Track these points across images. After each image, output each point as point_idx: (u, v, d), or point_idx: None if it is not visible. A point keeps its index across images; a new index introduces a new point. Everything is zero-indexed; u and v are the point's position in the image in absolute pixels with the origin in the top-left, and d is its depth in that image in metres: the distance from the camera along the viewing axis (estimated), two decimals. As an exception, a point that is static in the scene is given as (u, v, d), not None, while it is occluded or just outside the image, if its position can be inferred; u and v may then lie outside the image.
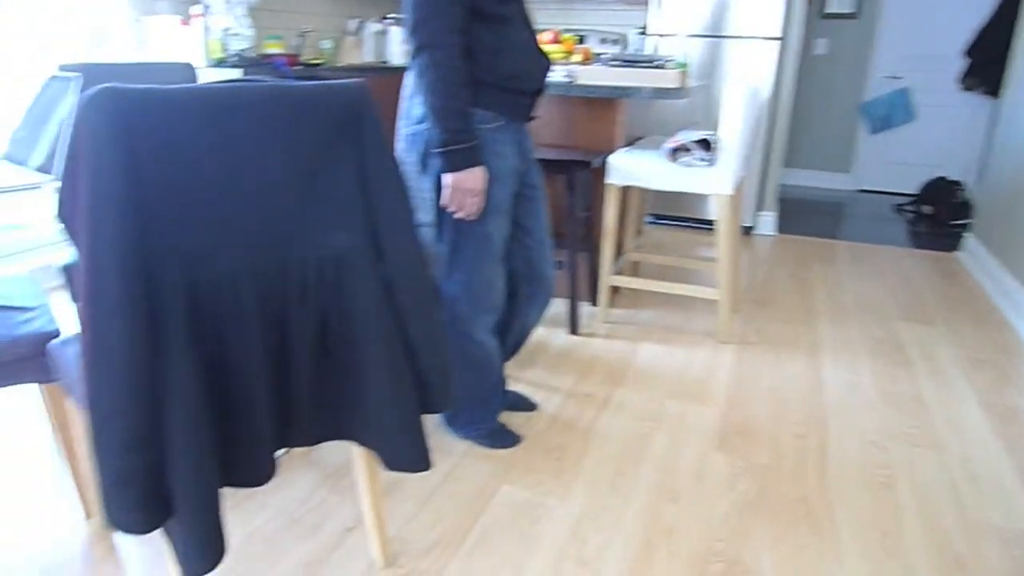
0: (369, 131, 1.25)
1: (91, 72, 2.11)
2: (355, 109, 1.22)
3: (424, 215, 1.89)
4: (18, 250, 3.20)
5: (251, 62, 3.57)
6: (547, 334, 2.86)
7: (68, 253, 2.28)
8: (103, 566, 1.62)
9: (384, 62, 4.81)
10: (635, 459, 2.04)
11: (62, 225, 1.05)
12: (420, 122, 1.77)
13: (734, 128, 2.57)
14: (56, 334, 1.65)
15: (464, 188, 1.72)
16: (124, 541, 1.70)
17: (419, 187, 1.86)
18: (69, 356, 1.50)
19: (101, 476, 1.07)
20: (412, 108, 1.79)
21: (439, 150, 1.69)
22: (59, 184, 1.04)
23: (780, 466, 2.03)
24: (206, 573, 1.12)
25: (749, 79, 4.05)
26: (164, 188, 1.04)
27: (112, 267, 0.99)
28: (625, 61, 2.92)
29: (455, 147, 1.67)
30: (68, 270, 2.18)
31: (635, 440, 2.14)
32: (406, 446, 1.33)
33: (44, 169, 2.10)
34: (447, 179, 1.72)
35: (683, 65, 3.04)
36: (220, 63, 3.47)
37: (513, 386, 2.44)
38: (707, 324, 3.02)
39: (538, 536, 1.74)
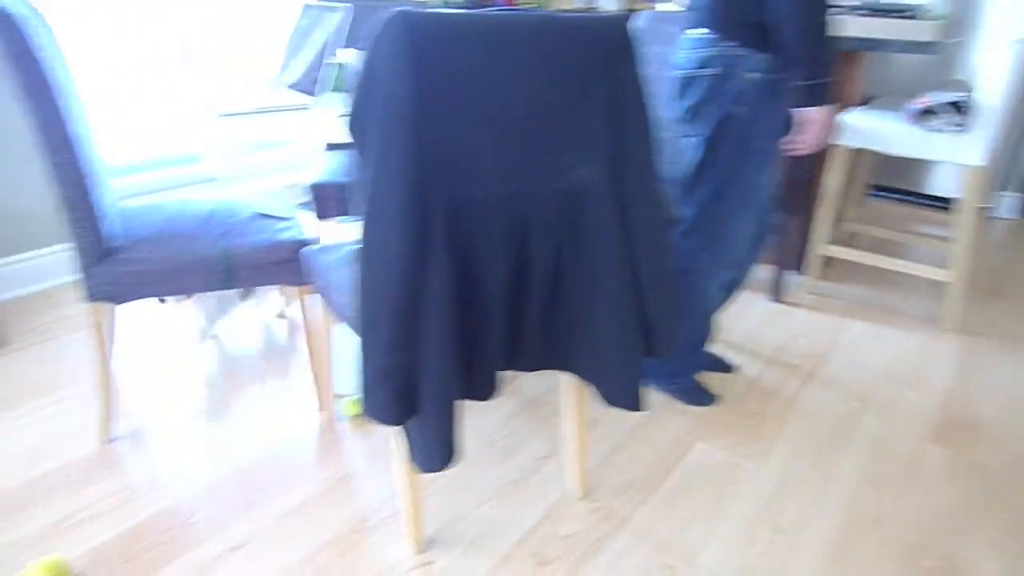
0: (628, 66, 1.24)
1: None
2: (618, 42, 1.22)
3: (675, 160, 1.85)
4: (279, 167, 3.57)
5: (473, 4, 3.66)
6: (747, 297, 2.76)
7: (314, 174, 2.51)
8: (329, 454, 1.82)
9: (593, 7, 4.74)
10: (840, 438, 1.94)
11: (351, 136, 1.15)
12: (703, 66, 1.69)
13: (995, 92, 2.28)
14: (309, 242, 1.84)
15: (828, 123, 1.66)
16: (348, 434, 1.89)
17: (674, 132, 1.82)
18: (321, 263, 1.66)
19: (364, 371, 1.19)
20: (689, 52, 1.72)
21: (810, 83, 1.60)
22: (352, 99, 1.14)
23: (1009, 471, 1.84)
24: (438, 471, 1.21)
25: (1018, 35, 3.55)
26: (444, 109, 1.10)
27: (397, 178, 1.07)
28: (874, 9, 2.66)
29: (824, 80, 1.61)
30: (315, 188, 2.40)
31: (841, 418, 2.02)
32: (625, 384, 1.35)
33: (299, 87, 2.31)
34: (813, 114, 1.65)
35: (942, 17, 2.71)
36: (445, 4, 3.60)
37: (711, 346, 2.39)
38: (927, 308, 2.75)
39: (732, 497, 1.71)
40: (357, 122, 1.13)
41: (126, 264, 1.68)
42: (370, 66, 1.09)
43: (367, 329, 1.16)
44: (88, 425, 1.89)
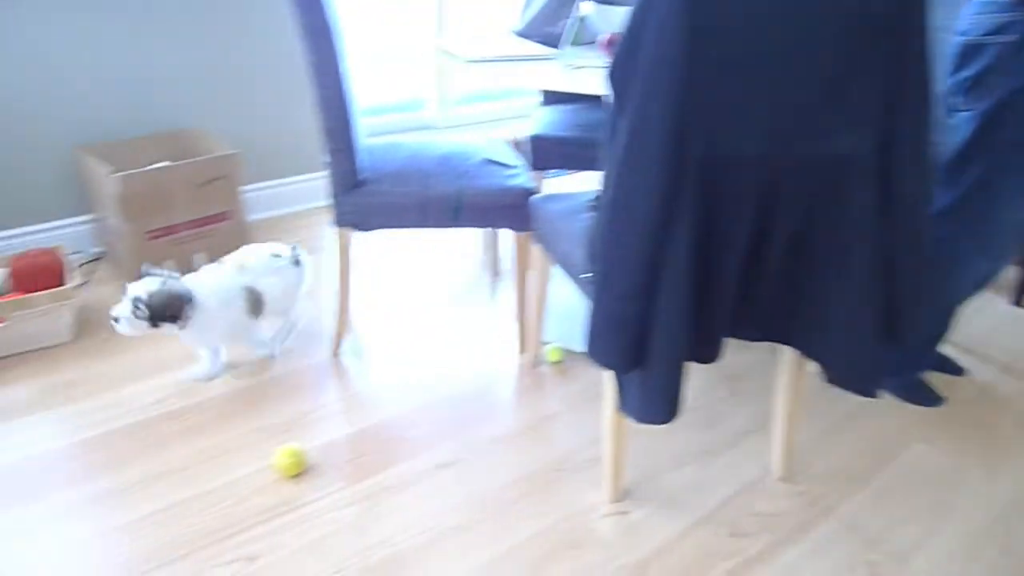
0: (914, 29, 1.14)
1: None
2: (906, 2, 1.12)
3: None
4: (499, 117, 3.69)
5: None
6: (984, 297, 2.48)
7: (533, 126, 2.57)
8: (530, 395, 1.90)
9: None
10: (1092, 465, 1.71)
11: (610, 86, 1.16)
12: (995, 32, 1.52)
13: None
14: (535, 191, 1.89)
15: None
16: (548, 379, 1.96)
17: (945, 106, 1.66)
18: (548, 211, 1.71)
19: (595, 316, 1.23)
20: (978, 16, 1.56)
21: None
22: (617, 49, 1.15)
23: None
24: (657, 423, 1.23)
25: None
26: (711, 66, 1.08)
27: (657, 130, 1.08)
28: None
29: None
30: (534, 140, 2.46)
31: (1095, 444, 1.78)
32: (859, 366, 1.28)
33: (535, 38, 2.36)
34: None
35: None
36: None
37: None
38: None
39: (954, 506, 1.58)
40: (619, 72, 1.14)
41: (372, 195, 1.84)
42: (639, 18, 1.08)
43: (605, 276, 1.18)
44: (321, 337, 2.12)
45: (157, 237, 2.31)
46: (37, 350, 2.03)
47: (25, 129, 2.35)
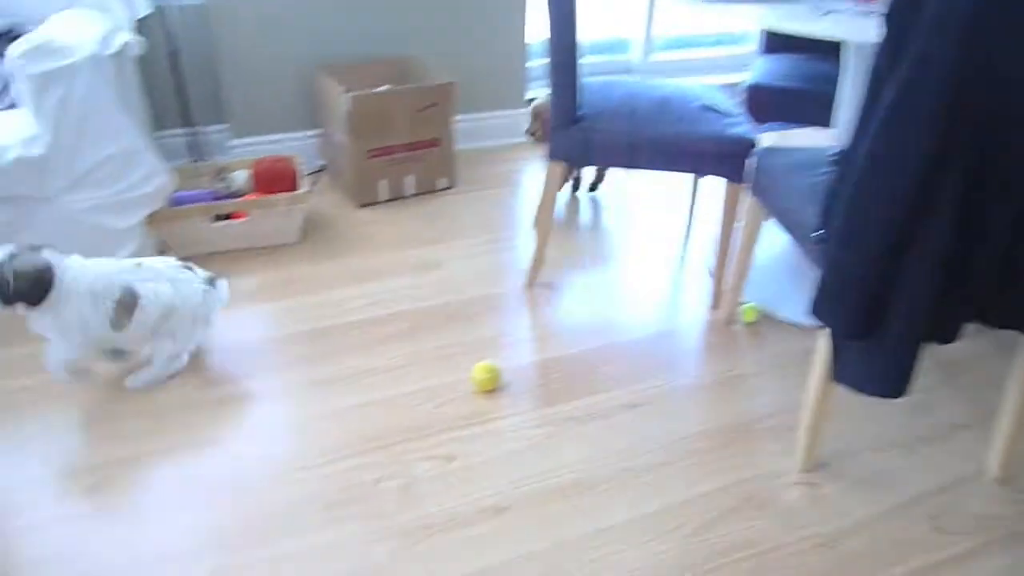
0: None
1: None
2: None
3: None
4: (714, 64, 3.55)
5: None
6: None
7: (752, 75, 2.43)
8: (722, 351, 1.86)
9: None
10: None
11: (885, 30, 1.07)
12: None
13: None
14: (753, 143, 1.81)
15: None
16: (741, 338, 1.91)
17: None
18: (772, 165, 1.63)
19: (828, 276, 1.17)
20: None
21: None
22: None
23: None
24: (886, 397, 1.16)
25: None
26: (1001, 25, 0.96)
27: (935, 85, 0.98)
28: None
29: None
30: (751, 90, 2.34)
31: None
32: None
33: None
34: None
35: None
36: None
37: None
38: None
39: None
40: (898, 16, 1.04)
41: (589, 132, 1.84)
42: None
43: (848, 235, 1.11)
44: (516, 266, 2.18)
45: (375, 156, 2.47)
46: (268, 247, 2.26)
47: (275, 48, 2.58)
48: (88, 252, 1.94)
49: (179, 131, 2.64)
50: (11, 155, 1.75)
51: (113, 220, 1.93)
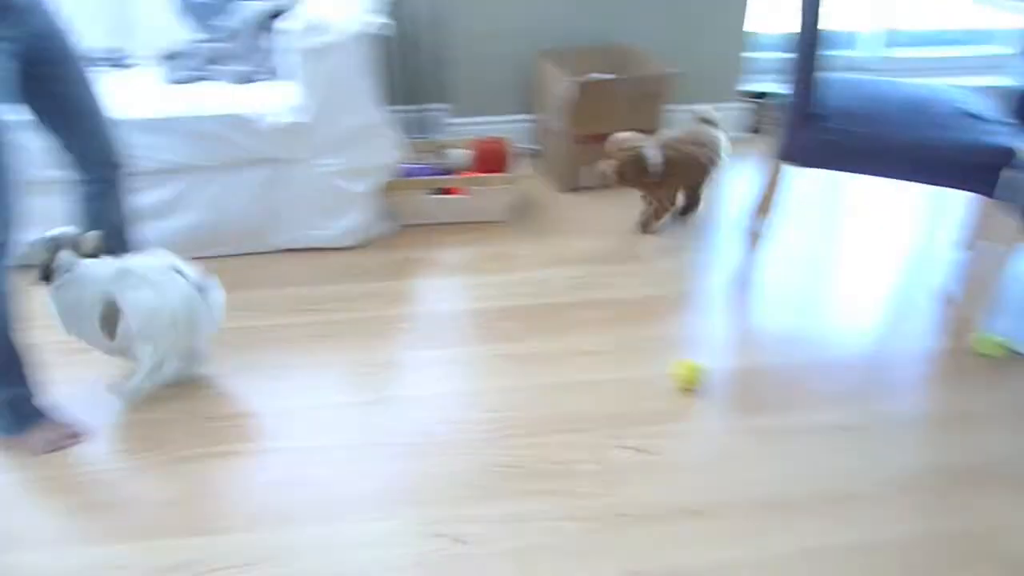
0: None
1: None
2: None
3: None
4: (975, 67, 3.21)
5: None
6: None
7: (1015, 78, 2.17)
8: (948, 383, 1.69)
9: None
10: None
11: None
12: None
13: None
14: (1015, 154, 1.61)
15: None
16: (974, 371, 1.72)
17: None
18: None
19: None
20: None
21: None
22: None
23: None
24: None
25: None
26: None
27: None
28: None
29: None
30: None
31: None
32: None
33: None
34: None
35: None
36: None
37: None
38: None
39: None
40: None
41: (824, 133, 1.73)
42: None
43: None
44: (719, 265, 2.12)
45: (587, 142, 2.49)
46: (478, 223, 2.37)
47: (498, 33, 2.68)
48: (328, 211, 2.15)
49: (404, 108, 2.82)
50: (276, 121, 1.97)
51: (351, 185, 2.11)
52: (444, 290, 2.04)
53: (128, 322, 1.51)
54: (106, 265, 1.56)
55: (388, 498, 1.41)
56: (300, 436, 1.56)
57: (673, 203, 2.31)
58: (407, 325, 1.90)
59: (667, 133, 2.30)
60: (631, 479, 1.44)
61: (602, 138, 2.49)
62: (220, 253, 2.21)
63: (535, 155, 2.81)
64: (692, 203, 2.41)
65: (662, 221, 2.33)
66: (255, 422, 1.60)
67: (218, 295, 1.62)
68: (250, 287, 2.06)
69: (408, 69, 2.73)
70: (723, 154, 2.30)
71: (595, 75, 2.53)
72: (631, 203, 2.48)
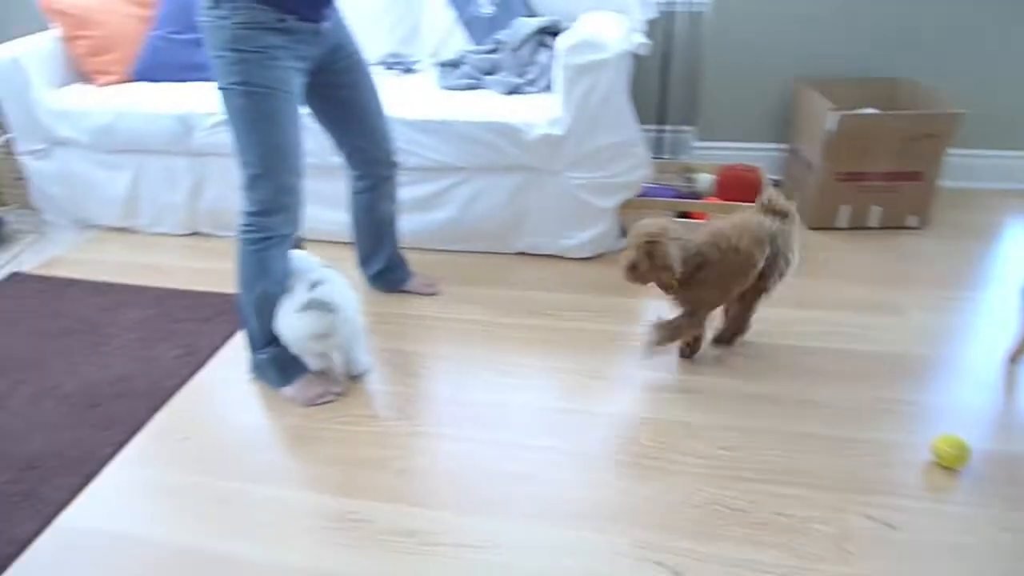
0: None
1: None
2: None
3: None
4: None
5: None
6: None
7: None
8: None
9: None
10: None
11: None
12: None
13: None
14: None
15: None
16: None
17: None
18: None
19: None
20: None
21: None
22: None
23: None
24: None
25: None
26: None
27: None
28: None
29: None
30: None
31: None
32: None
33: None
34: None
35: None
36: None
37: None
38: None
39: None
40: None
41: None
42: None
43: None
44: (991, 332, 1.87)
45: (844, 180, 2.33)
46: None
47: (758, 58, 2.59)
48: (570, 222, 2.21)
49: (651, 127, 2.83)
50: (538, 132, 2.06)
51: (596, 199, 2.15)
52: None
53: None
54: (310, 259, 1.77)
55: (606, 513, 1.41)
56: (520, 432, 1.62)
57: (705, 316, 1.74)
58: (631, 343, 1.90)
59: (716, 223, 1.71)
60: (871, 552, 1.31)
61: (865, 177, 2.32)
62: (463, 249, 2.37)
63: (781, 187, 2.68)
64: (738, 322, 1.82)
65: (686, 338, 1.79)
66: (479, 411, 1.68)
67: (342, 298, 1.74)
68: (486, 285, 2.18)
69: (662, 89, 2.73)
70: (792, 256, 1.71)
71: (865, 110, 2.36)
72: (893, 248, 2.29)
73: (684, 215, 2.30)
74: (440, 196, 2.25)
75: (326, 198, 2.27)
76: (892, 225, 2.39)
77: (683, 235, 1.65)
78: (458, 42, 2.56)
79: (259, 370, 1.79)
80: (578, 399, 1.71)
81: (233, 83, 1.51)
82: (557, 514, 1.41)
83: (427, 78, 2.45)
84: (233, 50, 1.48)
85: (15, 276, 2.39)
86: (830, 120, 2.23)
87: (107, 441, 1.65)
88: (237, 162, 1.59)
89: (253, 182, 1.59)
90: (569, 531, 1.37)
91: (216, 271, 2.33)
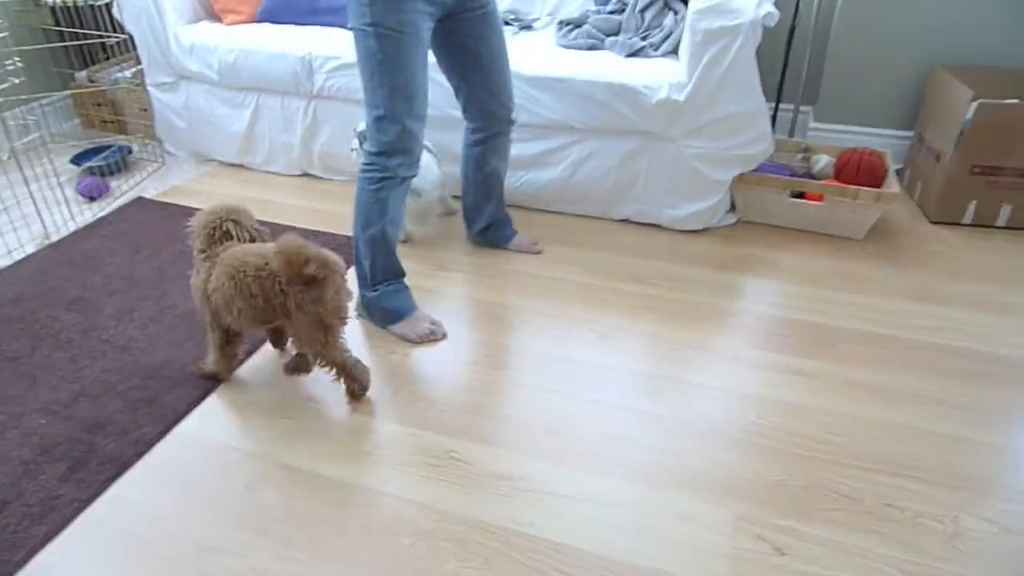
0: None
1: None
2: None
3: None
4: None
5: None
6: None
7: None
8: None
9: None
10: None
11: None
12: None
13: None
14: None
15: None
16: None
17: None
18: None
19: None
20: None
21: None
22: None
23: None
24: None
25: None
26: None
27: None
28: None
29: None
30: None
31: None
32: None
33: None
34: None
35: None
36: None
37: None
38: None
39: None
40: None
41: None
42: None
43: None
44: None
45: (977, 173, 2.19)
46: (830, 236, 2.22)
47: (890, 39, 2.45)
48: (680, 192, 2.17)
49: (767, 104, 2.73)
50: (659, 96, 2.01)
51: (711, 171, 2.10)
52: (782, 295, 1.95)
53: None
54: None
55: (709, 482, 1.39)
56: (617, 394, 1.61)
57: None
58: (737, 320, 1.85)
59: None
60: (987, 555, 1.25)
61: (999, 172, 2.18)
62: (565, 211, 2.35)
63: (902, 176, 2.55)
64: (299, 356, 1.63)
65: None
66: (578, 369, 1.68)
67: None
68: (588, 248, 2.17)
69: (784, 64, 2.63)
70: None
71: (1008, 101, 2.21)
72: (1016, 250, 2.15)
73: (799, 195, 2.22)
74: (549, 155, 2.24)
75: (442, 149, 2.29)
76: (1022, 226, 2.24)
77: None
78: (577, 1, 2.52)
79: (369, 308, 1.83)
80: (678, 368, 1.69)
81: (365, 24, 1.53)
82: (655, 478, 1.40)
83: (545, 36, 2.43)
84: None
85: (138, 200, 2.52)
86: (967, 108, 2.10)
87: (223, 360, 1.73)
88: (364, 103, 1.62)
89: (378, 123, 1.62)
90: (666, 495, 1.36)
91: (324, 212, 2.40)
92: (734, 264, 2.09)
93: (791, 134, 2.71)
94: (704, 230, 2.25)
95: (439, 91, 1.98)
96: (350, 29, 1.58)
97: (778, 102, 2.68)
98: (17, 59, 2.35)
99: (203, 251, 1.52)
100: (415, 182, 1.83)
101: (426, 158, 2.02)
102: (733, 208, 2.28)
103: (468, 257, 2.13)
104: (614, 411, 1.57)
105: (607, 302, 1.93)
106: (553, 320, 1.86)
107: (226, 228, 1.53)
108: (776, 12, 2.11)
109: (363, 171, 1.67)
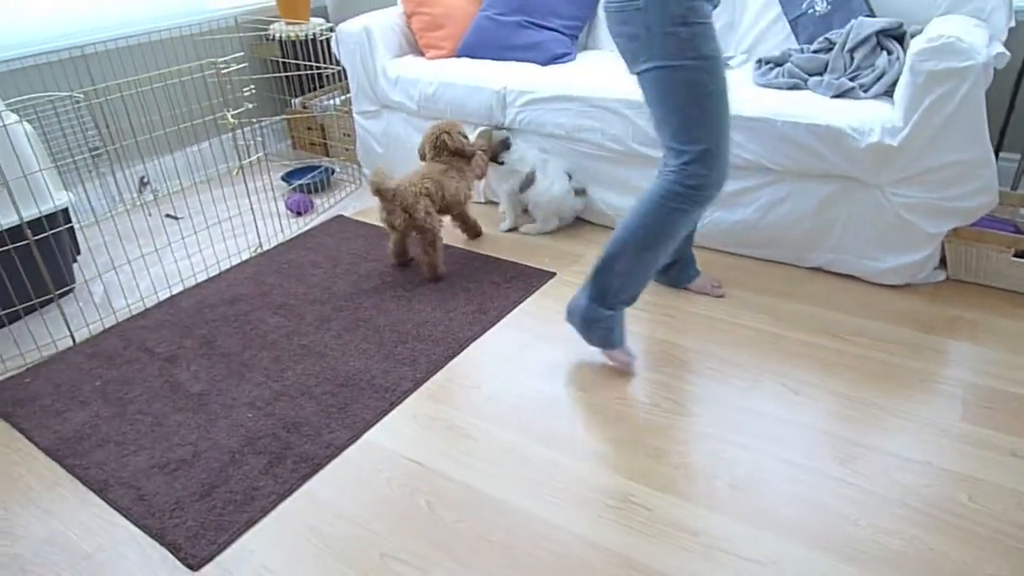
0: None
1: None
2: None
3: None
4: None
5: None
6: None
7: None
8: None
9: None
10: None
11: None
12: None
13: None
14: None
15: None
16: None
17: None
18: None
19: None
20: None
21: None
22: None
23: None
24: None
25: None
26: None
27: None
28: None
29: None
30: None
31: None
32: None
33: None
34: None
35: None
36: None
37: None
38: None
39: None
40: None
41: None
42: None
43: None
44: None
45: None
46: (1057, 302, 1.97)
47: None
48: (883, 243, 2.01)
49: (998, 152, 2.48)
50: (869, 140, 1.89)
51: (922, 222, 1.93)
52: (1000, 365, 1.74)
53: (535, 189, 2.41)
54: (534, 153, 2.44)
55: (902, 564, 1.26)
56: (805, 454, 1.50)
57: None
58: (945, 388, 1.68)
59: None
60: None
61: None
62: (752, 255, 2.26)
63: None
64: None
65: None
66: (764, 423, 1.59)
67: (581, 200, 2.47)
68: (776, 295, 2.06)
69: (1005, 108, 2.38)
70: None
71: None
72: None
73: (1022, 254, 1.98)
74: (740, 196, 2.16)
75: (620, 183, 2.29)
76: None
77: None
78: (776, 39, 2.44)
79: (595, 323, 1.74)
80: (876, 435, 1.55)
81: (691, 58, 1.48)
82: (845, 550, 1.29)
83: (741, 74, 2.36)
84: (685, 24, 1.46)
85: (338, 218, 2.73)
86: None
87: (409, 376, 1.82)
88: (678, 140, 1.55)
89: (702, 157, 1.54)
90: (857, 571, 1.25)
91: (511, 239, 2.47)
92: (943, 326, 1.90)
93: (1014, 186, 2.44)
94: (906, 286, 2.07)
95: (624, 124, 1.95)
96: (665, 67, 1.50)
97: (998, 150, 2.43)
98: (252, 87, 2.64)
99: (433, 157, 2.31)
100: (580, 181, 2.40)
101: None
102: (943, 264, 2.08)
103: (647, 295, 2.09)
104: (800, 471, 1.47)
105: (797, 355, 1.82)
106: (738, 368, 1.78)
107: (443, 140, 2.27)
108: (1007, 53, 1.93)
109: (668, 195, 1.59)
